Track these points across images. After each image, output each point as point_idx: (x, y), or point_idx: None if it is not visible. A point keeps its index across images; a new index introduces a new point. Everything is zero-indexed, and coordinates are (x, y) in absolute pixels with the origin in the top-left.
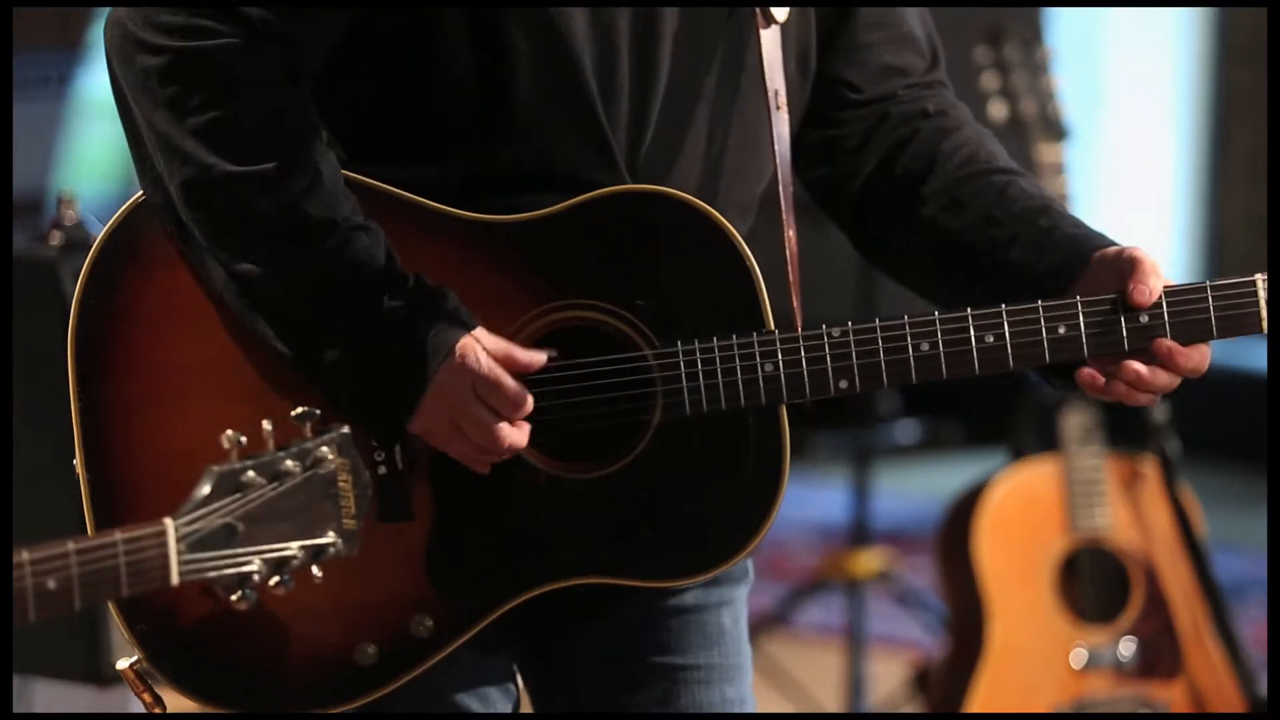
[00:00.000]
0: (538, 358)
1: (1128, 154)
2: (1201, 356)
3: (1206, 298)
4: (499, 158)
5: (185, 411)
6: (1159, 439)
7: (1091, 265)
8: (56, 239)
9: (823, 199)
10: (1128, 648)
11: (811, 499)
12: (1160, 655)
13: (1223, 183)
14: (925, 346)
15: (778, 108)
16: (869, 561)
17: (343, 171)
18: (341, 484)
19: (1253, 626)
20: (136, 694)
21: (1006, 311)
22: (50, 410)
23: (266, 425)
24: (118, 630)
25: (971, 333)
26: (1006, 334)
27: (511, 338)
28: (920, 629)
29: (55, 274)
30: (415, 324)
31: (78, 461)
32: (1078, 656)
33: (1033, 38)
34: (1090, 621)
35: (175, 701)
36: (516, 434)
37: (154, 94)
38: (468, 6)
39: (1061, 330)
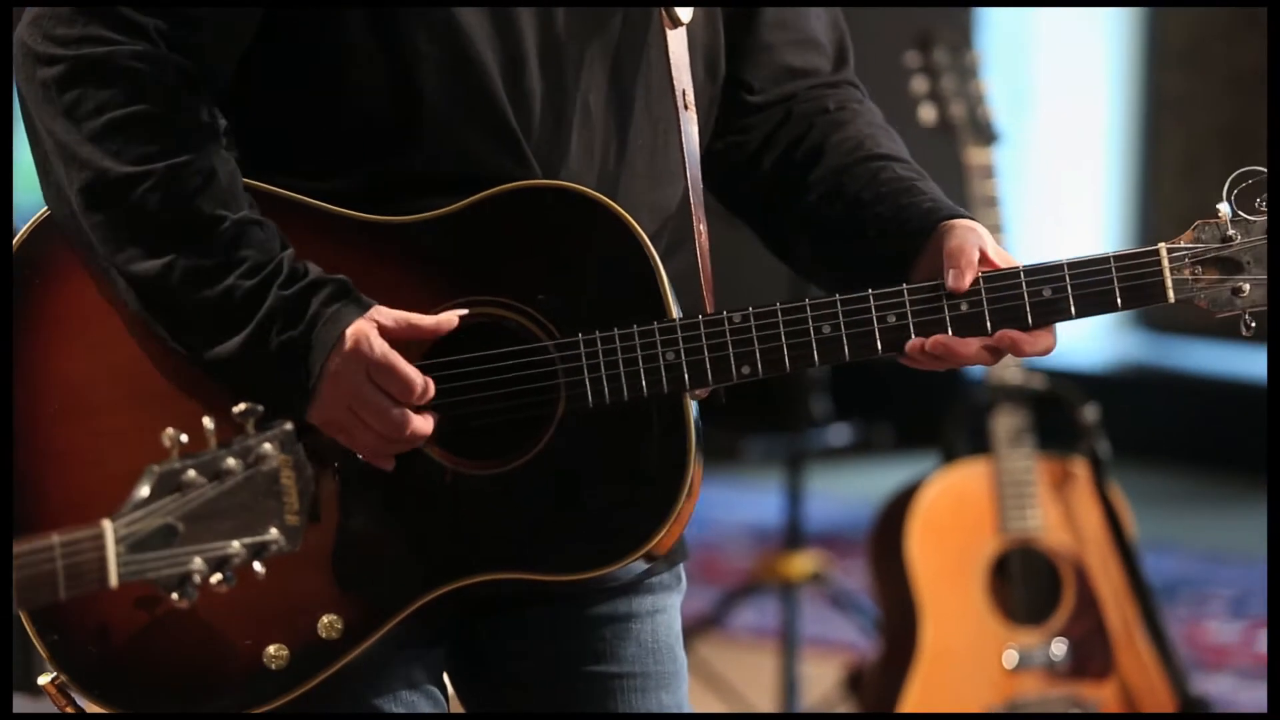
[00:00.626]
0: (445, 319)
1: (1059, 157)
2: (1048, 341)
3: (1110, 269)
4: (413, 163)
5: (98, 424)
6: (1089, 440)
7: (934, 236)
8: None
9: (732, 205)
10: (1059, 648)
11: (744, 502)
12: (1092, 655)
13: (1154, 185)
14: (827, 329)
15: (685, 107)
16: (802, 564)
17: (244, 180)
18: (285, 480)
19: (1183, 626)
20: (59, 707)
21: (908, 290)
22: None
23: (208, 423)
24: None
25: (873, 313)
26: (909, 313)
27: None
28: (854, 631)
29: None
30: (305, 313)
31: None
32: (1009, 657)
33: (962, 42)
34: (1022, 622)
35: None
36: (418, 420)
37: (54, 103)
38: (369, 9)
39: (964, 308)
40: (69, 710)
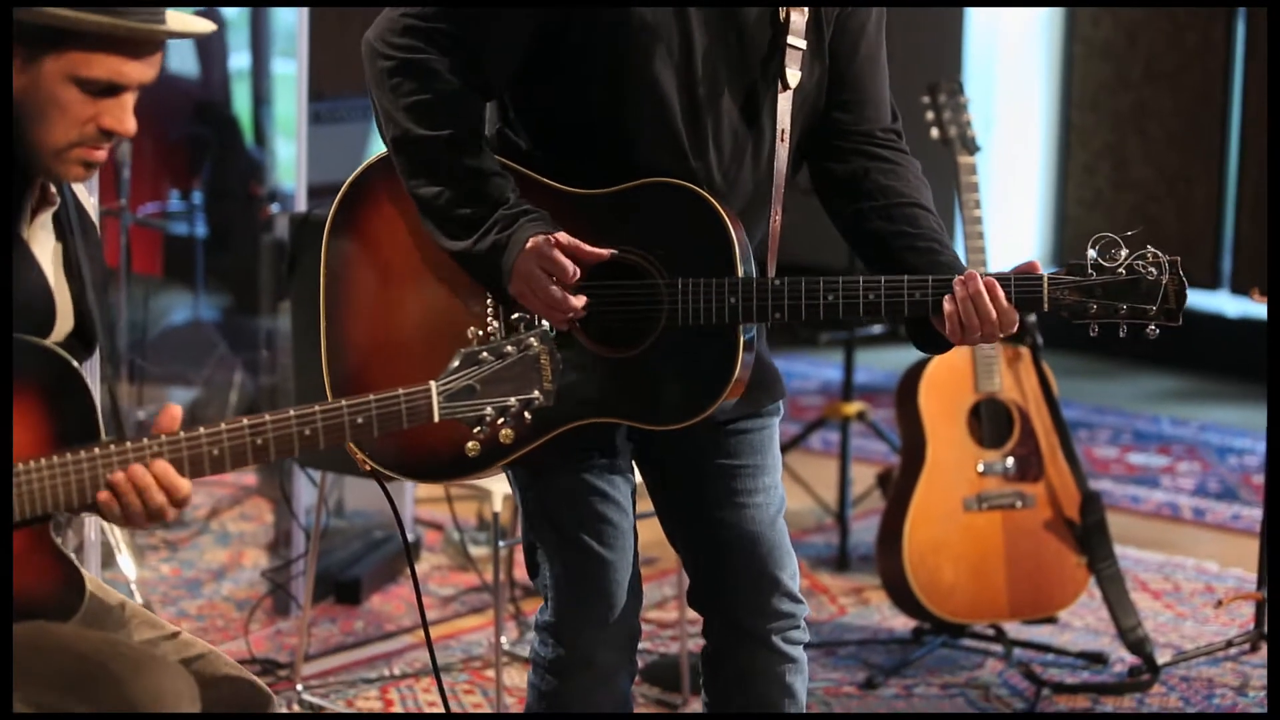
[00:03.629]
0: (600, 251)
1: (1009, 158)
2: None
3: (1009, 284)
4: (612, 162)
5: (390, 296)
6: (1030, 334)
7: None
8: None
9: (825, 203)
10: (1010, 462)
11: (818, 369)
12: (1030, 466)
13: (1067, 176)
14: (830, 298)
15: (781, 140)
16: (853, 408)
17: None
18: (543, 360)
19: (1080, 447)
20: (357, 461)
21: (884, 280)
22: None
23: (494, 323)
24: None
25: (860, 291)
26: (882, 294)
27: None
28: (885, 450)
29: None
30: (514, 224)
31: (321, 319)
32: (980, 467)
33: (956, 88)
34: (988, 446)
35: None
36: (570, 298)
37: (383, 83)
38: (604, 80)
39: (917, 295)
40: (358, 455)
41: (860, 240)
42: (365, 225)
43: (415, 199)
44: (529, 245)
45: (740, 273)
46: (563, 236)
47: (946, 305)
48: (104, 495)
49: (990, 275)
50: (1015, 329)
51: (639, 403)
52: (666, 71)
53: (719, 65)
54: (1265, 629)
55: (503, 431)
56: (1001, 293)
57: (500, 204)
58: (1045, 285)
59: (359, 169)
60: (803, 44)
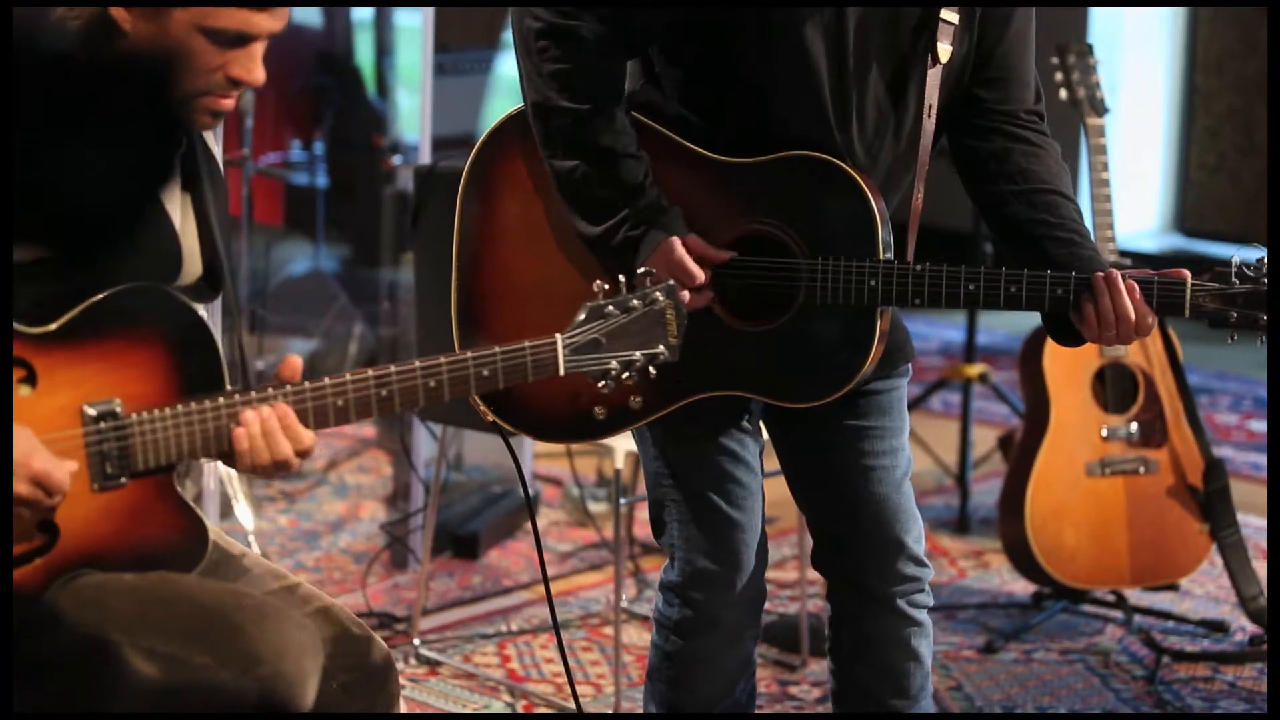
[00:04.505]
0: (722, 255)
1: (1133, 121)
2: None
3: (1153, 285)
4: (758, 130)
5: (518, 247)
6: None
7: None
8: None
9: (965, 179)
10: (1134, 427)
11: (940, 329)
12: (1154, 432)
13: (1188, 141)
14: (971, 287)
15: (929, 116)
16: (975, 369)
17: (636, 115)
18: (668, 315)
19: (1202, 414)
20: (480, 412)
21: (1026, 274)
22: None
23: (622, 277)
24: None
25: (1002, 283)
26: (1024, 287)
27: (721, 235)
28: (1006, 412)
29: None
30: (644, 223)
31: (453, 270)
32: (1104, 432)
33: (1085, 50)
34: (1112, 411)
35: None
36: (697, 297)
37: (529, 45)
38: (751, 37)
39: (1059, 292)
40: (482, 408)
41: (998, 221)
42: (499, 176)
43: (550, 169)
44: (661, 249)
45: (881, 250)
46: (692, 240)
47: (1085, 302)
48: (240, 435)
49: (1132, 277)
50: (1150, 332)
51: (775, 379)
52: (817, 38)
53: (870, 36)
54: None
55: (632, 396)
56: (1140, 293)
57: (634, 192)
58: (1188, 291)
59: (498, 120)
60: (955, 18)
